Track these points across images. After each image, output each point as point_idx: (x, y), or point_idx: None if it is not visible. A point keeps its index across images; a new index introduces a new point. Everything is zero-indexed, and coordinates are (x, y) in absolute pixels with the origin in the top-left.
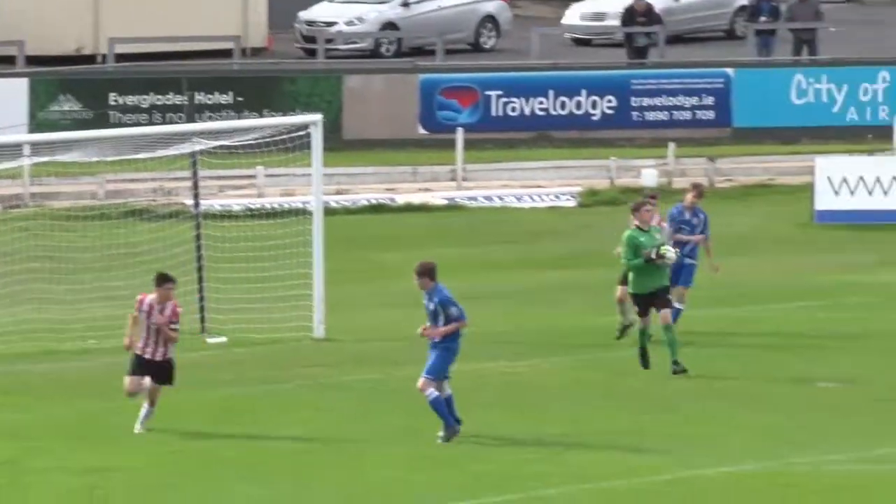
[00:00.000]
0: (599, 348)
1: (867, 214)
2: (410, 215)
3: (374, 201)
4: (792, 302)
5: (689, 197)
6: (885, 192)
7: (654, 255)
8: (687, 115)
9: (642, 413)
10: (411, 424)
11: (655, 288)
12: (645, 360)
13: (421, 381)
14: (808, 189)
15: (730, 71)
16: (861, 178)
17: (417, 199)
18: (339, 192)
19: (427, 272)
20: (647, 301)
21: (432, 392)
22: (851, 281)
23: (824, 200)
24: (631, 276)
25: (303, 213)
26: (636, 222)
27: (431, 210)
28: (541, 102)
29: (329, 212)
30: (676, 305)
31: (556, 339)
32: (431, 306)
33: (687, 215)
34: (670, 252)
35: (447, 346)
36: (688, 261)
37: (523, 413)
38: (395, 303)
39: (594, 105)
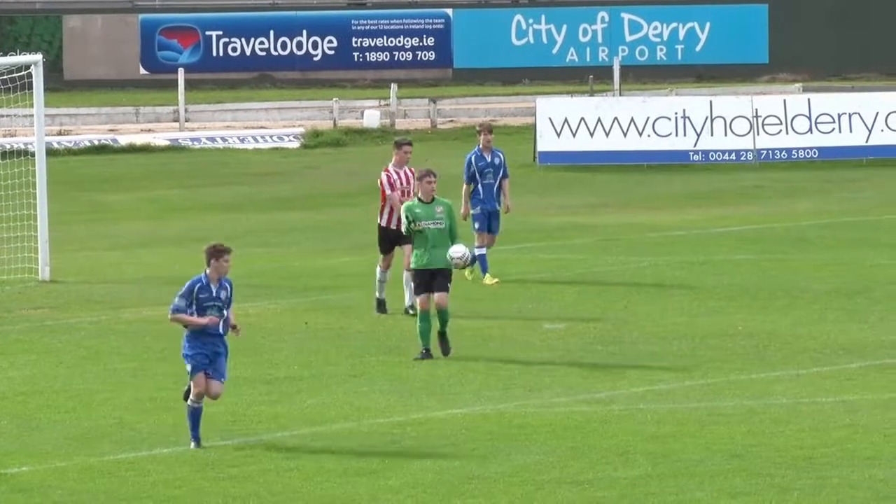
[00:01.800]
0: (328, 290)
1: (589, 155)
2: (133, 156)
3: (96, 142)
4: (517, 244)
5: (482, 139)
6: (607, 134)
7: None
8: (408, 55)
9: (370, 355)
10: (138, 367)
11: (434, 267)
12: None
13: None
14: (530, 130)
15: (449, 12)
16: (582, 118)
17: (140, 139)
18: (61, 133)
19: None
20: (426, 279)
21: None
22: (574, 222)
23: (546, 141)
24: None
25: (25, 154)
26: (419, 194)
27: (154, 151)
28: (262, 43)
29: (52, 153)
30: (479, 251)
31: (284, 282)
32: None
33: (487, 157)
34: (456, 257)
35: None
36: (496, 207)
37: (253, 356)
38: (119, 244)
39: (315, 45)
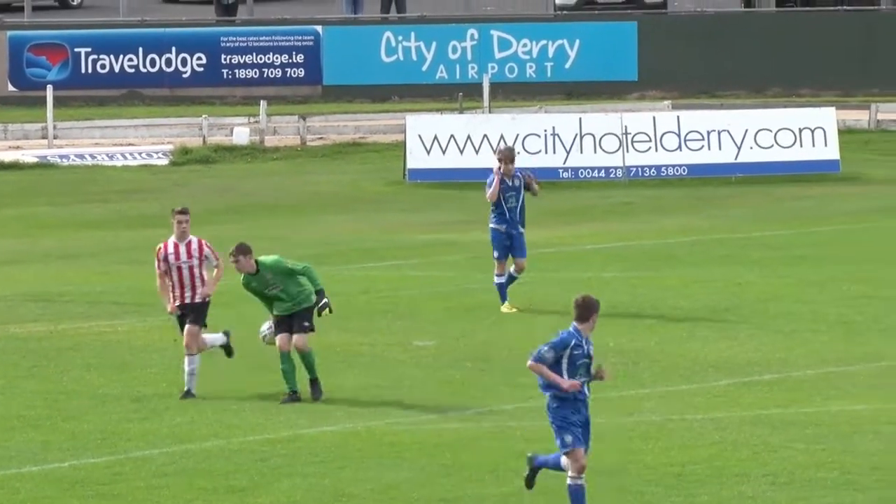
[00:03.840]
0: None
1: (459, 172)
2: (1, 173)
3: None
4: (385, 260)
5: (503, 168)
6: (476, 151)
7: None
8: (278, 72)
9: (244, 372)
10: (6, 384)
11: (288, 312)
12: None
13: None
14: (400, 147)
15: (319, 28)
16: (452, 136)
17: (8, 157)
18: None
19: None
20: (286, 320)
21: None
22: (443, 239)
23: (416, 159)
24: None
25: None
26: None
27: (23, 168)
28: (130, 59)
29: None
30: (499, 280)
31: (150, 299)
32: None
33: (509, 181)
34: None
35: None
36: (520, 230)
37: (122, 373)
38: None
39: (184, 62)
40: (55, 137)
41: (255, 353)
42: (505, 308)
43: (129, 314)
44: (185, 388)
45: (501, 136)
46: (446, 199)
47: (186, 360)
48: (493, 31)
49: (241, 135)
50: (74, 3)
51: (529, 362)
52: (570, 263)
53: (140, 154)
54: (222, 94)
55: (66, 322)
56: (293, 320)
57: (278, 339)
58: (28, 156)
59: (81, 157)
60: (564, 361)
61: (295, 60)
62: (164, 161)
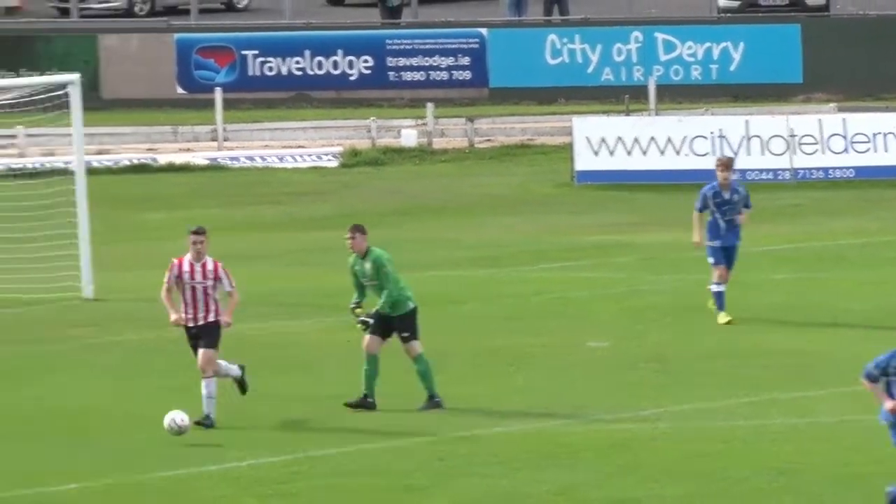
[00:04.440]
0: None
1: (627, 174)
2: (173, 175)
3: (136, 161)
4: (556, 262)
5: (720, 176)
6: (644, 152)
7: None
8: (444, 75)
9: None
10: (182, 385)
11: (386, 312)
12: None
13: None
14: (567, 149)
15: (484, 31)
16: (619, 138)
17: (179, 159)
18: (100, 152)
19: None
20: (383, 326)
21: None
22: (613, 240)
23: (583, 160)
24: None
25: (65, 173)
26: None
27: (193, 170)
28: (297, 62)
29: (91, 171)
30: (718, 288)
31: (322, 300)
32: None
33: (726, 194)
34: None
35: None
36: (736, 242)
37: (298, 373)
38: (160, 263)
39: (351, 65)
40: (225, 140)
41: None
42: (721, 319)
43: (303, 315)
44: (204, 413)
45: (668, 139)
46: (615, 201)
47: (203, 383)
48: (657, 33)
49: (410, 137)
50: (240, 6)
51: (860, 377)
52: (739, 265)
53: (310, 156)
54: (389, 97)
55: (242, 323)
56: (392, 326)
57: (366, 339)
58: (199, 158)
59: (252, 159)
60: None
61: (461, 63)
62: (334, 163)
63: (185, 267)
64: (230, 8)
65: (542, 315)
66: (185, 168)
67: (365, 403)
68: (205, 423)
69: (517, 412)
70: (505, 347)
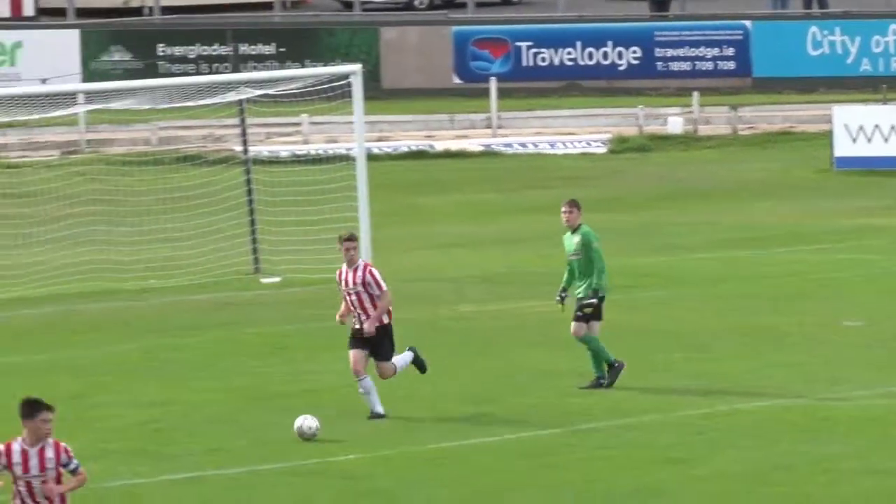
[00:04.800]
0: (627, 289)
1: (883, 160)
2: (449, 161)
3: (414, 147)
4: (814, 244)
5: None
6: None
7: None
8: (709, 65)
9: (675, 351)
10: (458, 362)
11: (578, 292)
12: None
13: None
14: (827, 136)
15: (748, 24)
16: (877, 126)
17: (455, 145)
18: (380, 139)
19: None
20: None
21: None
22: (871, 224)
23: (842, 147)
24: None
25: (346, 159)
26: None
27: (469, 156)
28: (569, 53)
29: (372, 157)
30: None
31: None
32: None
33: None
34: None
35: None
36: None
37: (565, 350)
38: (437, 244)
39: (620, 56)
40: (499, 127)
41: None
42: None
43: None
44: (373, 413)
45: None
46: (873, 186)
47: (359, 383)
48: None
49: (675, 124)
50: (515, 0)
51: None
52: None
53: (579, 143)
54: (656, 86)
55: (510, 302)
56: (579, 306)
57: (572, 326)
58: (474, 144)
59: (524, 145)
60: None
61: (725, 54)
62: (603, 149)
63: (343, 275)
64: (505, 2)
65: (800, 295)
66: (460, 154)
67: (598, 383)
68: (377, 417)
69: (775, 387)
70: (764, 326)
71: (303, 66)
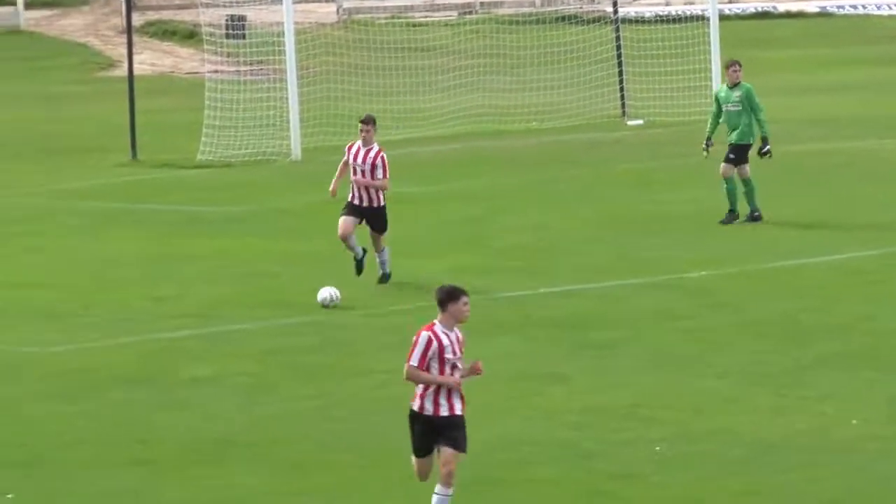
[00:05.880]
0: None
1: None
2: (789, 21)
3: (759, 9)
4: None
5: None
6: None
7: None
8: None
9: None
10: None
11: (733, 140)
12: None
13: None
14: None
15: None
16: None
17: (795, 7)
18: (731, 1)
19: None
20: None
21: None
22: None
23: None
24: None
25: (701, 19)
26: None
27: (806, 17)
28: None
29: (723, 17)
30: None
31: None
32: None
33: None
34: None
35: None
36: None
37: (892, 182)
38: (777, 91)
39: None
40: None
41: None
42: None
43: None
44: (382, 272)
45: None
46: None
47: (376, 256)
48: None
49: None
50: None
51: None
52: None
53: None
54: None
55: (838, 142)
56: (734, 151)
57: (721, 167)
58: (811, 6)
59: (854, 7)
60: None
61: None
62: None
63: (354, 150)
64: None
65: None
66: (799, 14)
67: (731, 219)
68: (384, 281)
69: None
70: None
71: None
